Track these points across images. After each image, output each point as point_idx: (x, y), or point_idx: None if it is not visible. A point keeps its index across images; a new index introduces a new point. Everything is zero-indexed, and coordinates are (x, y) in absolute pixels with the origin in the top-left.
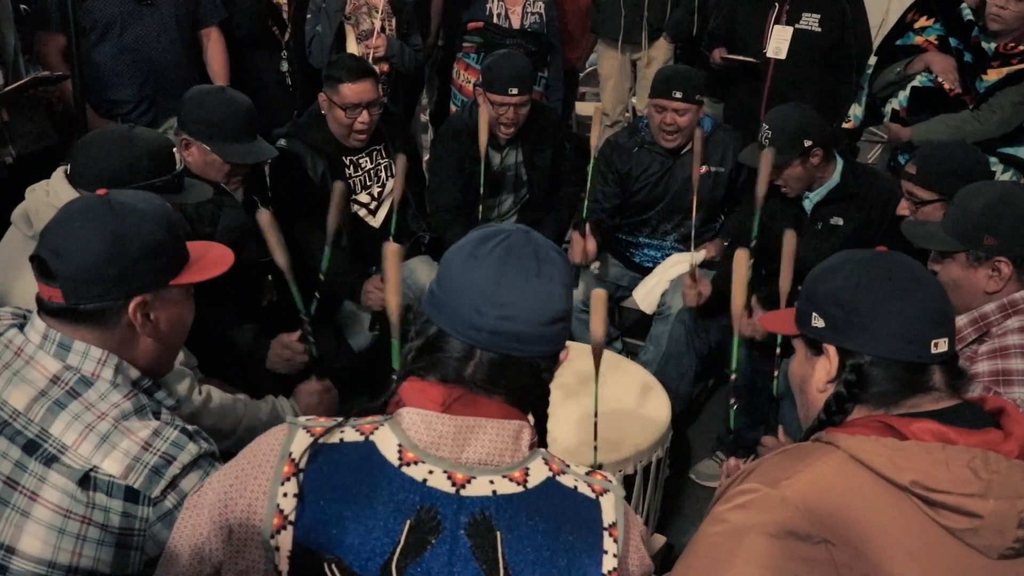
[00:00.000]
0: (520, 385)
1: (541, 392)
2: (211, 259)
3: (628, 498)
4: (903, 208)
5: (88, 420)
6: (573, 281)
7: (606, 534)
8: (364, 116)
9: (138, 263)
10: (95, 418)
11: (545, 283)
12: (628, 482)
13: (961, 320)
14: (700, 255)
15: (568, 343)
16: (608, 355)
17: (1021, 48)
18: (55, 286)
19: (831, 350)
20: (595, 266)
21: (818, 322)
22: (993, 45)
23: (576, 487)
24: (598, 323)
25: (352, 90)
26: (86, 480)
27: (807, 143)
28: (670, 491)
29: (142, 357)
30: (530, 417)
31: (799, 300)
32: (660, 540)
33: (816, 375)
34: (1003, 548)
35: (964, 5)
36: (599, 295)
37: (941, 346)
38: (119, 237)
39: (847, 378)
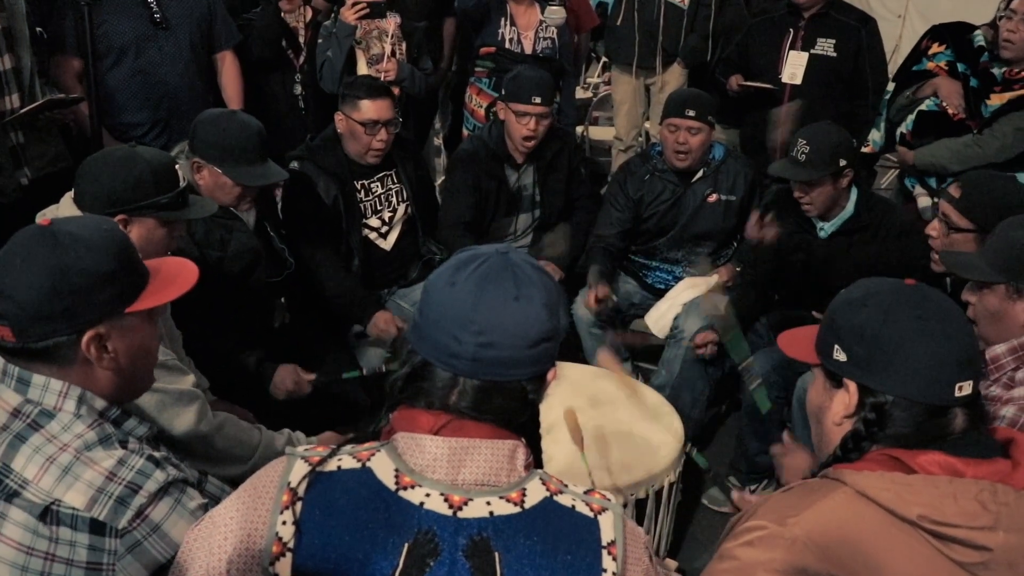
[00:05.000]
0: (507, 409)
1: (530, 414)
2: (170, 278)
3: (640, 522)
4: (932, 229)
5: (49, 452)
6: (560, 298)
7: (605, 552)
8: (383, 134)
9: (86, 296)
10: (57, 450)
11: (524, 306)
12: (640, 506)
13: (1000, 349)
14: (713, 279)
15: (562, 363)
16: (622, 378)
17: None
18: (4, 325)
19: (852, 386)
20: (609, 304)
21: (840, 355)
22: (1002, 71)
23: (574, 506)
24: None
25: (372, 107)
26: (47, 514)
27: (842, 163)
28: (682, 516)
29: (105, 388)
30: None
31: (821, 328)
32: (672, 565)
33: (834, 408)
34: None
35: (978, 32)
36: (569, 413)
37: (965, 389)
38: (62, 270)
39: (867, 416)
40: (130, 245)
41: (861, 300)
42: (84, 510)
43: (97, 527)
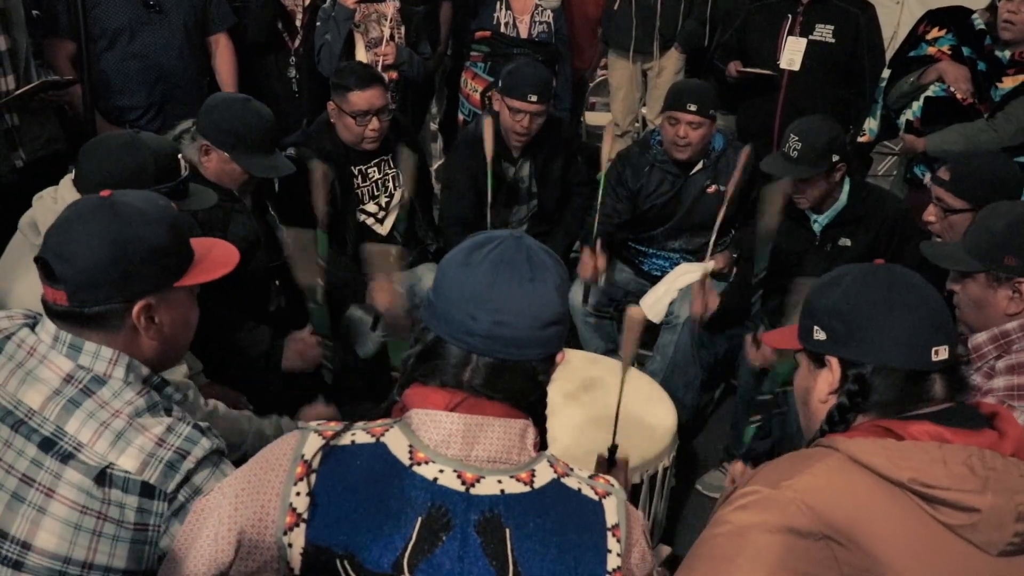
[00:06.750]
0: (518, 388)
1: (539, 394)
2: (216, 258)
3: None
4: (930, 214)
5: (103, 418)
6: (568, 284)
7: (609, 534)
8: (374, 123)
9: (142, 266)
10: (109, 416)
11: (538, 288)
12: (634, 492)
13: (982, 337)
14: (710, 265)
15: (566, 349)
16: (612, 364)
17: None
18: (59, 289)
19: (833, 362)
20: (603, 279)
21: (819, 335)
22: (1008, 54)
23: (580, 489)
24: (629, 343)
25: (361, 97)
26: (103, 476)
27: (835, 158)
28: (676, 502)
29: (147, 356)
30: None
31: (801, 315)
32: (666, 551)
33: (818, 387)
34: (1002, 544)
35: (976, 16)
36: (635, 317)
37: (942, 353)
38: (122, 240)
39: (849, 388)
40: (182, 222)
41: (834, 281)
42: (136, 474)
43: (147, 490)
